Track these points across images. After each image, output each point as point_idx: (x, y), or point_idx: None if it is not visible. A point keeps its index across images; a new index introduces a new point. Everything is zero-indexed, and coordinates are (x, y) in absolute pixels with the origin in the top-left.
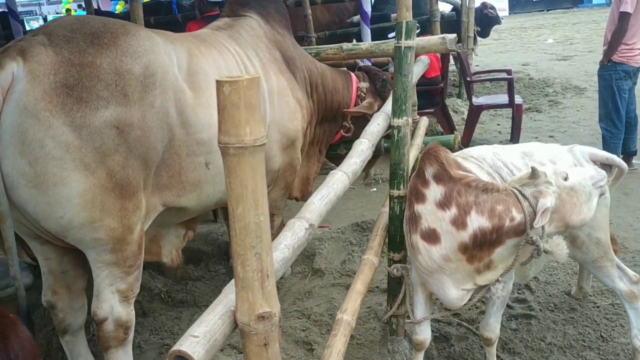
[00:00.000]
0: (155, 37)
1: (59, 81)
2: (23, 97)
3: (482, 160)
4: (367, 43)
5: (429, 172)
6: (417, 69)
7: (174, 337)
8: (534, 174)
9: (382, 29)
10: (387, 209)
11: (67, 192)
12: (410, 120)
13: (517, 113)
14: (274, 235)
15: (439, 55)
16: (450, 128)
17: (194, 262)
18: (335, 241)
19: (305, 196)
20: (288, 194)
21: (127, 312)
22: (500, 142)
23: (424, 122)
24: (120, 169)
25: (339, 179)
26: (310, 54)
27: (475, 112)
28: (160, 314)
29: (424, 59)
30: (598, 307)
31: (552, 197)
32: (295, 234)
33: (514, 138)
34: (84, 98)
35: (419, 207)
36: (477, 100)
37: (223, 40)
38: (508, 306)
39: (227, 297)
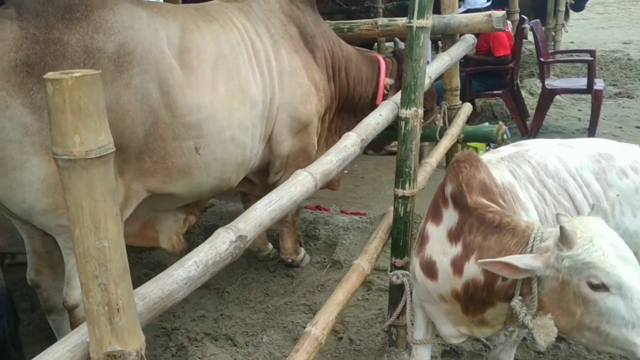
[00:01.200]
0: (139, 11)
1: (19, 59)
2: None
3: (542, 168)
4: (404, 19)
5: (449, 189)
6: (457, 50)
7: (177, 320)
8: (562, 236)
9: None
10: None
11: (27, 176)
12: (420, 111)
13: (595, 100)
14: (289, 224)
15: (510, 31)
16: (519, 112)
17: None
18: (361, 232)
19: (330, 184)
20: None
21: None
22: (577, 131)
23: (466, 109)
24: None
25: (300, 181)
26: (343, 29)
27: (547, 96)
28: None
29: (469, 38)
30: None
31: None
32: (214, 247)
33: (592, 128)
34: None
35: (431, 227)
36: (551, 83)
37: (231, 14)
38: None
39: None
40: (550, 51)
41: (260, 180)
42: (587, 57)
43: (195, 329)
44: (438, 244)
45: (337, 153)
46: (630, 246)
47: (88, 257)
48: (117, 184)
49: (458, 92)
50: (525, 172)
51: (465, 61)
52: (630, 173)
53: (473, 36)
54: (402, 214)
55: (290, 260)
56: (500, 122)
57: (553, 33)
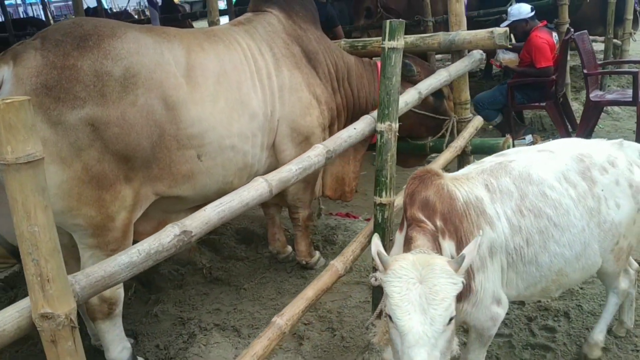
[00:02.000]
0: (145, 38)
1: (39, 82)
2: None
3: (525, 178)
4: (413, 36)
5: (403, 202)
6: (457, 67)
7: (193, 311)
8: (380, 260)
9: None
10: None
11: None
12: (394, 125)
13: None
14: (302, 228)
15: (555, 43)
16: (563, 125)
17: (246, 243)
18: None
19: (342, 196)
20: (312, 188)
21: (111, 290)
22: None
23: (476, 122)
24: (95, 163)
25: (254, 187)
26: (357, 46)
27: (592, 108)
28: (192, 287)
29: (475, 54)
30: (639, 351)
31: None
32: (158, 239)
33: (638, 141)
34: (61, 98)
35: (398, 234)
36: (596, 95)
37: (237, 35)
38: (531, 332)
39: None
40: (599, 62)
41: None
42: (632, 69)
43: (208, 319)
44: (397, 249)
45: (298, 162)
46: (615, 236)
47: (23, 238)
48: (125, 189)
49: (468, 106)
50: (503, 184)
51: (508, 73)
52: (609, 167)
53: (481, 52)
54: (380, 220)
55: (304, 263)
56: (508, 135)
57: (620, 42)
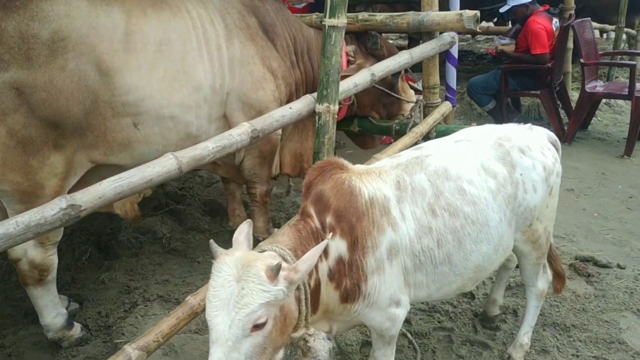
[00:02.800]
0: (78, 1)
1: None
2: None
3: (442, 174)
4: (382, 15)
5: None
6: (422, 49)
7: (142, 281)
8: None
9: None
10: None
11: None
12: (333, 107)
13: (635, 107)
14: (259, 204)
15: (553, 30)
16: (557, 115)
17: (212, 215)
18: None
19: (301, 173)
20: (269, 164)
21: (42, 256)
22: (623, 139)
23: (444, 108)
24: (21, 128)
25: (161, 162)
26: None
27: (586, 99)
28: (147, 257)
29: (445, 36)
30: (579, 356)
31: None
32: (41, 211)
33: (630, 138)
34: None
35: None
36: (592, 87)
37: (188, 3)
38: (474, 328)
39: None
40: (601, 52)
41: (222, 162)
42: (631, 61)
43: (154, 290)
44: None
45: (216, 140)
46: (527, 219)
47: None
48: (55, 156)
49: (437, 90)
50: (417, 181)
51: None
52: (527, 150)
53: (453, 34)
54: None
55: (261, 239)
56: (473, 123)
57: (635, 32)
